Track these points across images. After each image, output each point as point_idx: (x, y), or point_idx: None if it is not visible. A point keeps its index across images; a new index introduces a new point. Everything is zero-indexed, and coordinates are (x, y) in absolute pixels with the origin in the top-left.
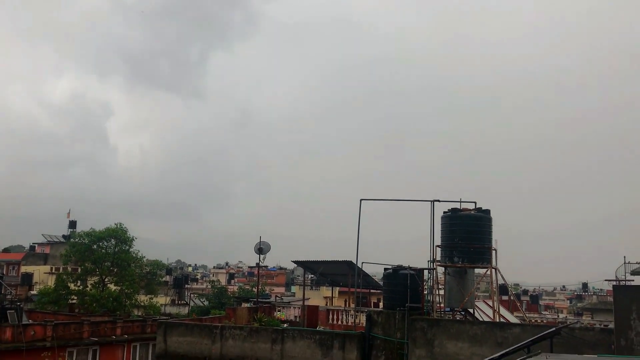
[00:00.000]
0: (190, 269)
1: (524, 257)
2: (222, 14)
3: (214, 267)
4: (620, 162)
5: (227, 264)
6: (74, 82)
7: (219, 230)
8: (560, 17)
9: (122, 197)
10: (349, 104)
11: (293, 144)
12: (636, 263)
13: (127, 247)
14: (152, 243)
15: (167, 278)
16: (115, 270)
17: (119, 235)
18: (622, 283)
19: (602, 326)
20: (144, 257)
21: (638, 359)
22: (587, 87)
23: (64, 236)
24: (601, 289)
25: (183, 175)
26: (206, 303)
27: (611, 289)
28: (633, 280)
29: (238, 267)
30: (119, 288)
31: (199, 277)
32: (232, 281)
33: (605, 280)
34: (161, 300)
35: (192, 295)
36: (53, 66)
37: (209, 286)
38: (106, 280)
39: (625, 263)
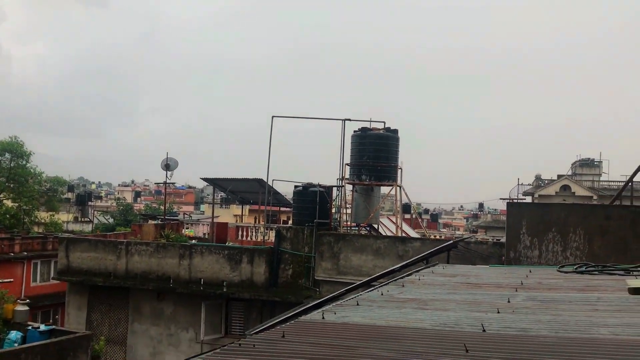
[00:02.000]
0: (94, 186)
1: (427, 177)
2: None
3: (119, 185)
4: (522, 84)
5: (133, 181)
6: None
7: (124, 146)
8: None
9: (17, 109)
10: (263, 10)
11: (203, 54)
12: (528, 185)
13: (24, 162)
14: (52, 159)
15: (69, 195)
16: (11, 186)
17: (14, 149)
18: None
19: (494, 240)
20: (43, 172)
21: (524, 267)
22: None
23: None
24: (495, 209)
25: (85, 88)
26: (111, 221)
27: (505, 208)
28: (525, 199)
29: (145, 186)
30: (16, 205)
31: (103, 194)
32: (139, 199)
33: (500, 199)
34: (63, 217)
35: (96, 212)
36: None
37: (114, 204)
38: (1, 196)
39: (518, 185)
